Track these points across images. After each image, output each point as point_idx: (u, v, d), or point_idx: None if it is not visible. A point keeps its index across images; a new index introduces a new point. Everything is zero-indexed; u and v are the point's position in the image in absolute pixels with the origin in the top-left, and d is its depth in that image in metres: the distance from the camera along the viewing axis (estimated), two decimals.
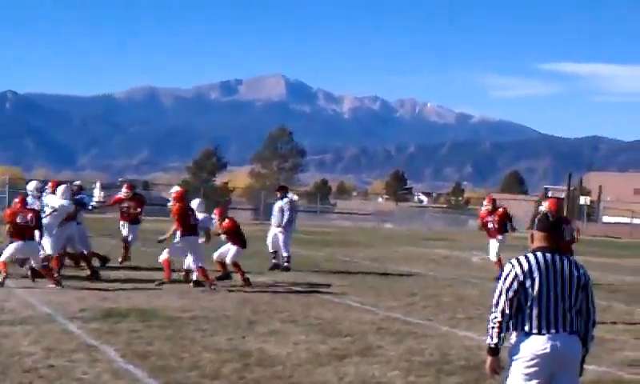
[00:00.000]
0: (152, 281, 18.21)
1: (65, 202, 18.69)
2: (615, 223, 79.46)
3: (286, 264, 23.06)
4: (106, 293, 16.50)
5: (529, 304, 6.67)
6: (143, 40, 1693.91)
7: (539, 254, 6.79)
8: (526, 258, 6.79)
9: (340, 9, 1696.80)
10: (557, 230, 6.99)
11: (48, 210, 18.46)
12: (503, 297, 6.72)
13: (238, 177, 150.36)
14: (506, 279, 6.75)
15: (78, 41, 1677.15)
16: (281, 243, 23.35)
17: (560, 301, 6.66)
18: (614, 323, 15.63)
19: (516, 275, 6.71)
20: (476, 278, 23.21)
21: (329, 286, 19.62)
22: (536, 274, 6.68)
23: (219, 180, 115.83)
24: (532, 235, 6.98)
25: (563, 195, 79.74)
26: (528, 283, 6.67)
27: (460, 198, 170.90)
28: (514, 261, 6.81)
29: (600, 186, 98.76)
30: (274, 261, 23.15)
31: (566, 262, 6.79)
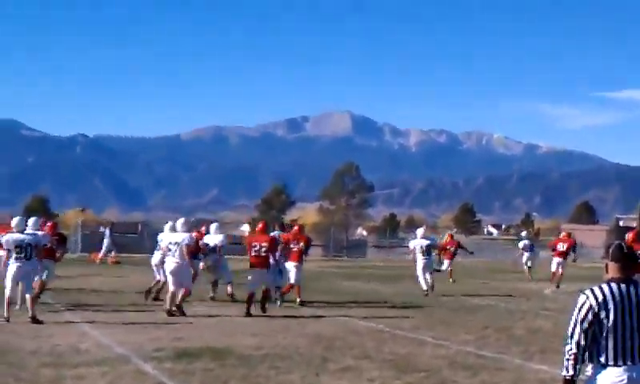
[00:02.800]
0: (225, 317, 18.38)
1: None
2: None
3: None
4: (179, 332, 16.64)
5: (604, 335, 6.63)
6: (208, 80, 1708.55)
7: (614, 285, 6.75)
8: (601, 288, 6.75)
9: (403, 43, 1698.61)
10: (631, 261, 6.96)
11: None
12: (578, 328, 6.69)
13: (306, 213, 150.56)
14: (580, 310, 6.72)
15: (142, 81, 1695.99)
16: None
17: (636, 332, 6.62)
18: None
19: (591, 306, 6.68)
20: (548, 310, 23.04)
21: (401, 321, 19.60)
22: (611, 305, 6.65)
23: (288, 217, 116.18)
24: (606, 265, 6.95)
25: (635, 224, 78.86)
26: (603, 314, 6.64)
27: (530, 229, 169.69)
28: (587, 291, 6.78)
29: None
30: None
31: (638, 291, 6.75)
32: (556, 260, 32.70)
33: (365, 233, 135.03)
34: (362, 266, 48.34)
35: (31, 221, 19.92)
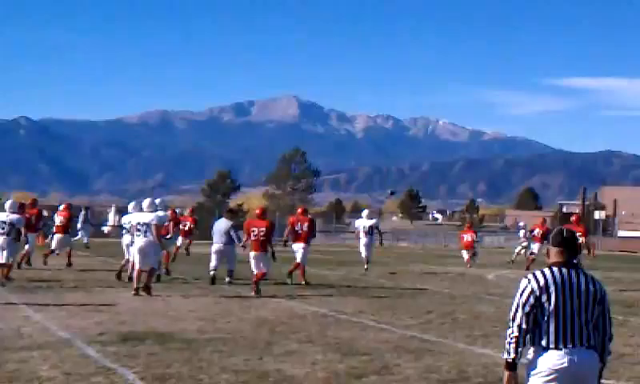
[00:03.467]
0: (169, 301, 18.33)
1: None
2: (631, 237, 79.21)
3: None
4: (123, 316, 16.54)
5: (545, 319, 6.68)
6: (155, 64, 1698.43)
7: (555, 269, 6.80)
8: (542, 273, 6.80)
9: (350, 29, 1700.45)
10: (572, 245, 7.01)
11: None
12: (520, 312, 6.73)
13: (251, 198, 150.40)
14: (522, 294, 6.76)
15: (89, 65, 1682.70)
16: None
17: (576, 315, 6.67)
18: (632, 337, 15.63)
19: (532, 290, 6.72)
20: (492, 295, 23.22)
21: (345, 305, 19.65)
22: (552, 289, 6.69)
23: (233, 202, 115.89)
24: (548, 250, 7.01)
25: (578, 210, 79.64)
26: (544, 298, 6.68)
27: (474, 215, 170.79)
28: (530, 276, 6.83)
29: (615, 201, 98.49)
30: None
31: (582, 277, 6.80)
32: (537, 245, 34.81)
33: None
34: None
35: (8, 203, 22.80)
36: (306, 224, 25.29)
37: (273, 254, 22.13)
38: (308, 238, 25.26)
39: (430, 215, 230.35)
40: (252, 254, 22.06)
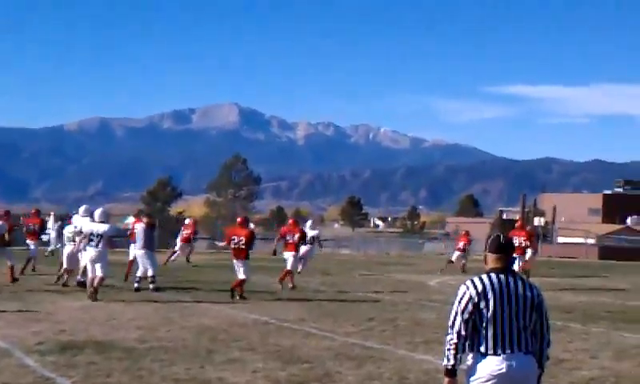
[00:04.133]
0: (109, 310, 18.22)
1: None
2: (570, 244, 79.94)
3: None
4: (62, 325, 16.38)
5: (484, 325, 6.73)
6: (93, 71, 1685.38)
7: (493, 276, 6.87)
8: (480, 279, 6.85)
9: (290, 35, 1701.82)
10: (509, 252, 7.07)
11: None
12: (459, 318, 6.78)
13: (193, 206, 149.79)
14: (461, 301, 6.81)
15: (27, 73, 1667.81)
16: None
17: (514, 321, 6.74)
18: (570, 342, 15.80)
19: (471, 297, 6.77)
20: (433, 302, 23.34)
21: (287, 312, 19.63)
22: (490, 296, 6.75)
23: (174, 209, 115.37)
24: (486, 257, 7.06)
25: (518, 217, 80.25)
26: (482, 304, 6.74)
27: (415, 222, 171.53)
28: (468, 282, 6.88)
29: (554, 207, 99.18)
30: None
31: (519, 283, 6.88)
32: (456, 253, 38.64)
33: (252, 225, 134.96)
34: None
35: None
36: (297, 234, 26.85)
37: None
38: (297, 247, 26.84)
39: (372, 222, 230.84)
40: (234, 261, 22.96)
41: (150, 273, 23.84)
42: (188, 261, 36.07)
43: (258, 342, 14.96)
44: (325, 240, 35.52)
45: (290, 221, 29.66)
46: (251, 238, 23.20)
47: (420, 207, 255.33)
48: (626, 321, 20.06)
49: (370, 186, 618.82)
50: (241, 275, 22.63)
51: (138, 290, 23.39)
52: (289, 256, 26.50)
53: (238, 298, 22.23)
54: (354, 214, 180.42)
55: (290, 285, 26.10)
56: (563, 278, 35.74)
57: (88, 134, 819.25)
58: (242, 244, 22.77)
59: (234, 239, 22.97)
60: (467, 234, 40.55)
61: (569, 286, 31.22)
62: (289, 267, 26.44)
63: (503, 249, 7.02)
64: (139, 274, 24.09)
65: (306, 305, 21.66)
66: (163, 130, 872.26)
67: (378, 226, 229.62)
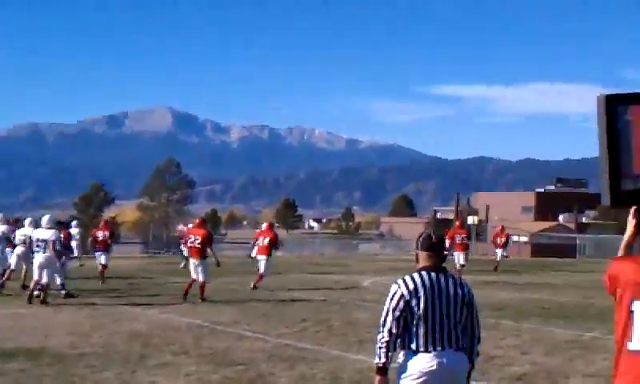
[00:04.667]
0: (39, 320, 17.99)
1: None
2: None
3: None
4: None
5: (415, 323, 6.72)
6: (23, 76, 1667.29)
7: (424, 274, 6.85)
8: (412, 277, 6.84)
9: (224, 38, 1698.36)
10: (440, 250, 7.08)
11: None
12: (390, 316, 6.76)
13: (126, 211, 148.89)
14: (392, 299, 6.79)
15: None
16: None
17: (445, 319, 6.74)
18: (502, 339, 15.91)
19: (402, 295, 6.75)
20: (366, 301, 23.36)
21: (220, 315, 19.54)
22: (421, 293, 6.74)
23: (107, 215, 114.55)
24: (417, 255, 7.06)
25: (452, 216, 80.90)
26: (414, 302, 6.72)
27: (350, 223, 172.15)
28: (399, 281, 6.86)
29: (487, 206, 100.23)
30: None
31: (450, 281, 6.88)
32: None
33: (186, 229, 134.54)
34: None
35: None
36: (269, 238, 27.34)
37: (217, 262, 23.92)
38: (270, 250, 27.32)
39: (307, 224, 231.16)
40: (191, 260, 23.55)
41: (58, 281, 23.39)
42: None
43: (191, 345, 14.87)
44: None
45: (266, 224, 29.72)
46: (207, 239, 23.42)
47: (355, 208, 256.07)
48: (558, 317, 20.25)
49: (304, 187, 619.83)
50: (199, 277, 23.00)
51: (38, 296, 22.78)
52: (261, 259, 27.13)
53: (200, 301, 22.48)
54: (289, 216, 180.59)
55: (252, 285, 26.58)
56: (496, 275, 36.01)
57: (18, 140, 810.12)
58: (198, 243, 23.08)
59: (190, 238, 23.63)
60: (503, 228, 42.29)
61: (502, 284, 31.46)
62: (261, 271, 27.01)
63: (434, 247, 7.02)
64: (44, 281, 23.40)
65: (239, 307, 21.59)
66: (96, 134, 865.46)
67: (312, 227, 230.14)
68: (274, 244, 27.92)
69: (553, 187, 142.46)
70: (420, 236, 7.19)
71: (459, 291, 6.88)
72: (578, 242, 75.09)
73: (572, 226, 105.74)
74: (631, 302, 4.98)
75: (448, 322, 6.76)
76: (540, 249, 73.93)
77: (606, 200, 5.54)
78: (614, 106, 5.54)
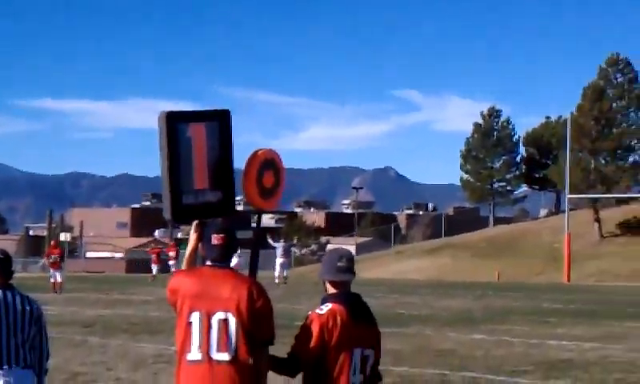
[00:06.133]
0: None
1: None
2: (98, 258, 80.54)
3: None
4: None
5: None
6: None
7: None
8: None
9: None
10: (8, 267, 6.94)
11: None
12: None
13: None
14: None
15: None
16: None
17: (12, 336, 6.64)
18: (88, 356, 15.89)
19: None
20: None
21: None
22: None
23: None
24: None
25: (45, 233, 79.54)
26: None
27: None
28: None
29: (82, 222, 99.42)
30: None
31: (17, 298, 6.81)
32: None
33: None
34: None
35: None
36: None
37: None
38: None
39: None
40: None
41: None
42: None
43: None
44: None
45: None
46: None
47: None
48: (146, 332, 20.46)
49: None
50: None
51: None
52: None
53: None
54: None
55: None
56: (88, 292, 35.63)
57: None
58: None
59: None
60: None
61: (93, 301, 31.21)
62: None
63: (2, 265, 6.90)
64: None
65: None
66: None
67: None
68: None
69: (149, 203, 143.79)
70: None
71: (27, 307, 6.84)
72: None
73: (167, 241, 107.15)
74: (190, 313, 5.15)
75: (15, 339, 6.69)
76: (135, 264, 74.41)
77: (167, 215, 5.70)
78: (175, 124, 5.72)
